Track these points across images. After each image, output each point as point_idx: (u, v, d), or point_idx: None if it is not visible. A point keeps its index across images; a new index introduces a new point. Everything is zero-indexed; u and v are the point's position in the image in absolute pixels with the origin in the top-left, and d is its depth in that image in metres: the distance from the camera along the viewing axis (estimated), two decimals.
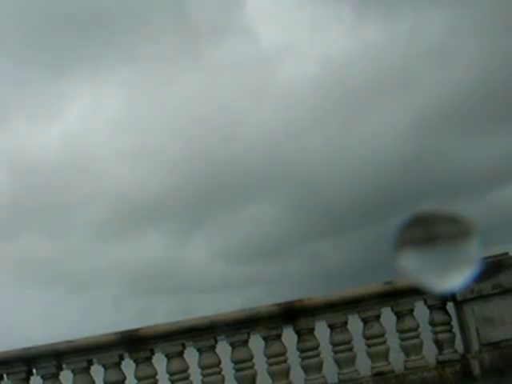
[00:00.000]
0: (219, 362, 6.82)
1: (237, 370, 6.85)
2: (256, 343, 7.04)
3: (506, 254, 6.76)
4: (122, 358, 6.86)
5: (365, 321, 6.95)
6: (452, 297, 6.73)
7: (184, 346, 6.85)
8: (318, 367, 6.86)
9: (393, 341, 7.01)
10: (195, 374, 6.86)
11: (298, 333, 6.91)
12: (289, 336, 7.10)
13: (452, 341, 6.94)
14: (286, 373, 6.85)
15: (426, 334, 6.99)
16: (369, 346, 6.92)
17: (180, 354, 6.84)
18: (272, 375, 6.84)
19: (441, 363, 6.86)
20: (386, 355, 6.88)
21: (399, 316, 7.00)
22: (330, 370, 7.00)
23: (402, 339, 6.97)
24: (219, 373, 6.82)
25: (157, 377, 6.83)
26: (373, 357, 6.89)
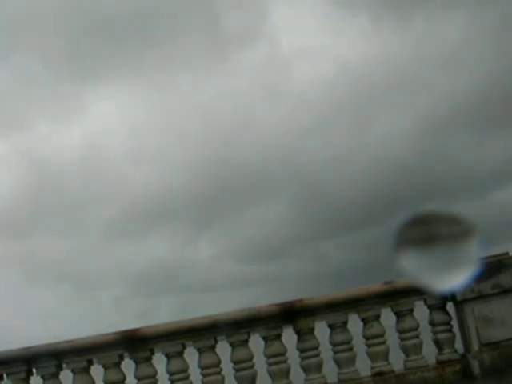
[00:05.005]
0: (219, 362, 6.81)
1: (237, 370, 6.84)
2: (256, 343, 7.04)
3: (506, 253, 6.77)
4: (121, 357, 6.84)
5: (365, 321, 6.95)
6: (452, 297, 6.73)
7: (184, 346, 6.84)
8: (318, 367, 6.86)
9: (393, 341, 7.01)
10: (195, 373, 6.86)
11: (298, 333, 6.90)
12: (289, 336, 7.09)
13: (452, 341, 6.94)
14: (286, 373, 6.84)
15: (426, 334, 6.99)
16: (369, 346, 6.92)
17: (180, 354, 6.83)
18: (272, 375, 6.84)
19: (441, 363, 6.86)
20: (385, 355, 6.88)
21: (399, 316, 7.00)
22: (330, 370, 7.00)
23: (402, 339, 6.97)
24: (219, 373, 6.81)
25: (157, 377, 6.82)
26: (373, 357, 6.89)
